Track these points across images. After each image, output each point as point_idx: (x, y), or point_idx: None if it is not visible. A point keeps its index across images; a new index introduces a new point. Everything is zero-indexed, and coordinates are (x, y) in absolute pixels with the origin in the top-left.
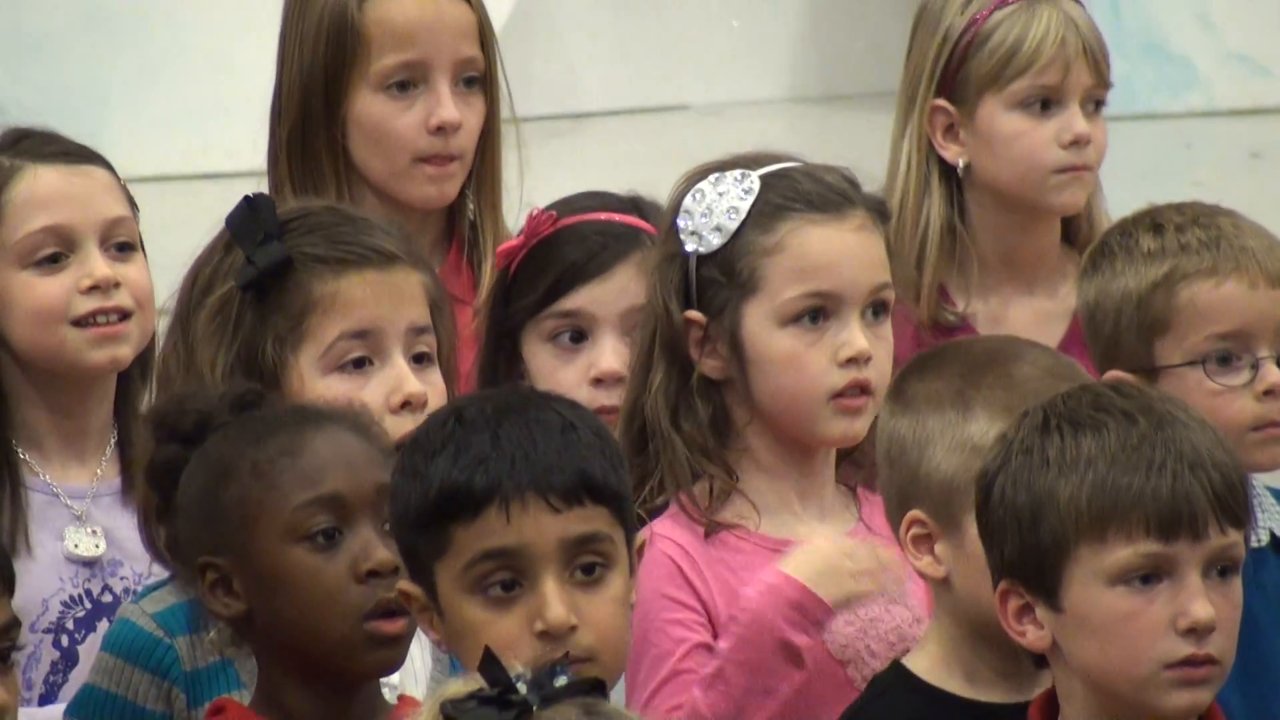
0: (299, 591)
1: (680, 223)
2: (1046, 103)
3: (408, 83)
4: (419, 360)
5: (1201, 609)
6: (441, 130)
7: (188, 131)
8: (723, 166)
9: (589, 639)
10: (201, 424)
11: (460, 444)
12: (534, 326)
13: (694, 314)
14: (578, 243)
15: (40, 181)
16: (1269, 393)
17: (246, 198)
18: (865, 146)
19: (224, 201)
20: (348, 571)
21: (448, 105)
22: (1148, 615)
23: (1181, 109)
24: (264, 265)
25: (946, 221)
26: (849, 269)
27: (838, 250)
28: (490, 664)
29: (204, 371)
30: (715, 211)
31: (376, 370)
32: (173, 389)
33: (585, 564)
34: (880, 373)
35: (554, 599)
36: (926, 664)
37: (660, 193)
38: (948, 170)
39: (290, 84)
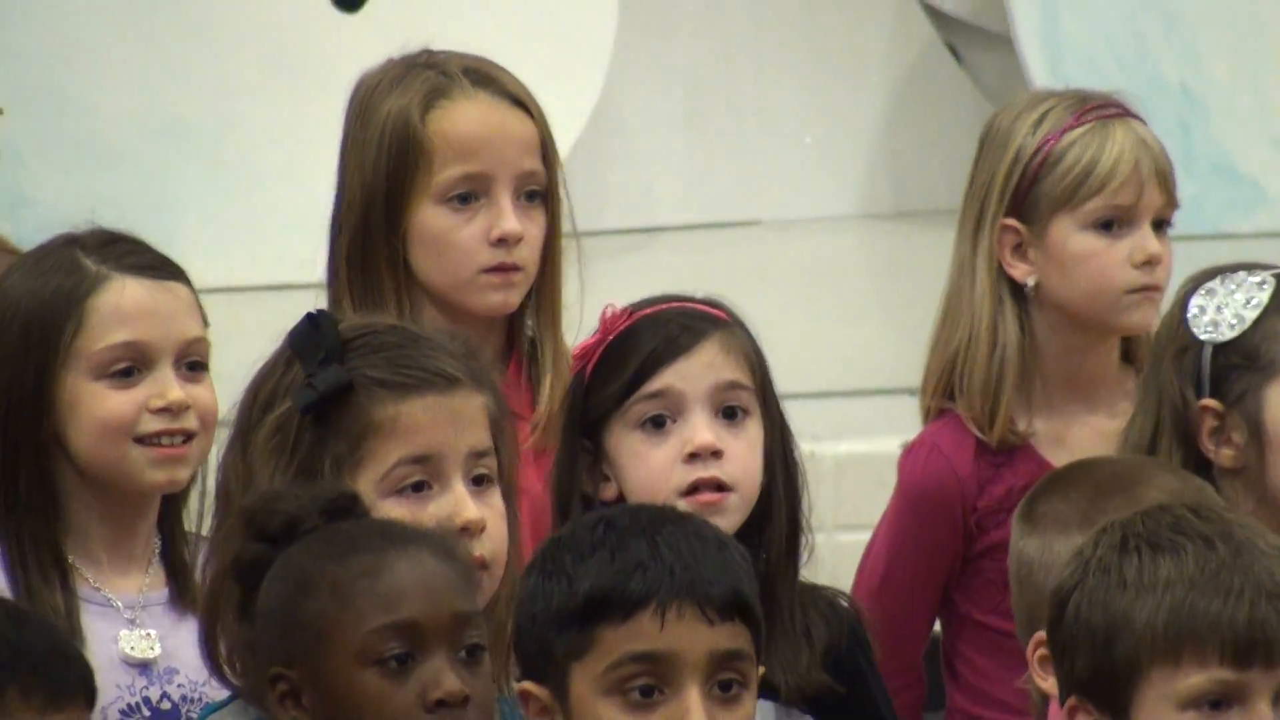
0: (366, 715)
1: (1192, 315)
2: (1118, 223)
3: (470, 195)
4: (479, 482)
5: None
6: (503, 242)
7: (258, 241)
8: (1224, 269)
9: None
10: (290, 526)
11: (616, 547)
12: (619, 417)
13: (1211, 402)
14: (658, 327)
15: (126, 294)
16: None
17: (309, 315)
18: (938, 263)
19: (293, 313)
20: (417, 699)
21: (509, 217)
22: None
23: (1250, 229)
24: (324, 389)
25: (1020, 338)
26: None
27: None
28: None
29: (261, 489)
30: (1232, 304)
31: (435, 495)
32: (233, 505)
33: (725, 680)
34: None
35: (697, 708)
36: None
37: (733, 305)
38: (1016, 290)
39: (351, 195)
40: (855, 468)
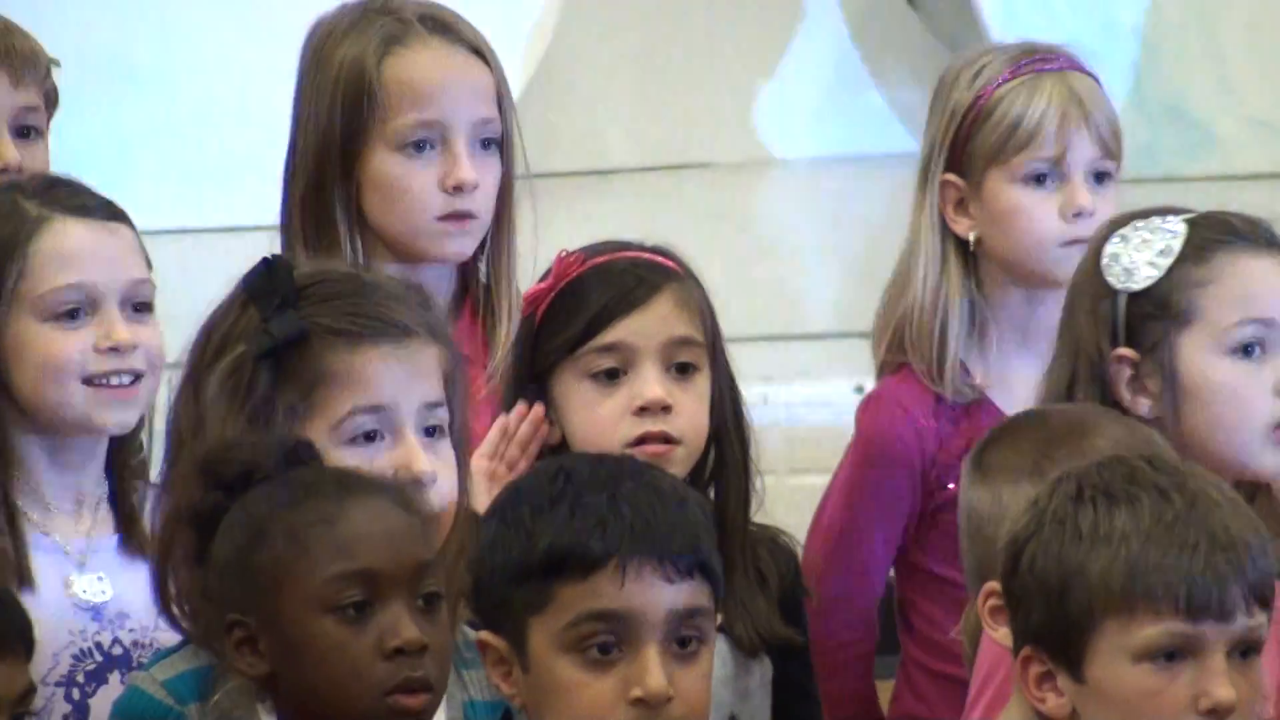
0: (324, 662)
1: (1108, 264)
2: (1050, 176)
3: (425, 142)
4: (430, 433)
5: (1224, 691)
6: (458, 190)
7: (210, 184)
8: (1137, 215)
9: (680, 711)
10: (247, 474)
11: (575, 502)
12: (569, 365)
13: (1127, 351)
14: (611, 278)
15: (69, 236)
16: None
17: (265, 260)
18: (889, 207)
19: (245, 255)
20: (374, 646)
21: (465, 165)
22: (1170, 693)
23: (1201, 173)
24: (280, 335)
25: (965, 295)
26: None
27: (1271, 279)
28: None
29: (213, 433)
30: (1145, 251)
31: (387, 445)
32: (185, 448)
33: (684, 637)
34: None
35: (655, 667)
36: None
37: (683, 250)
38: (962, 244)
39: (306, 140)
40: (807, 411)
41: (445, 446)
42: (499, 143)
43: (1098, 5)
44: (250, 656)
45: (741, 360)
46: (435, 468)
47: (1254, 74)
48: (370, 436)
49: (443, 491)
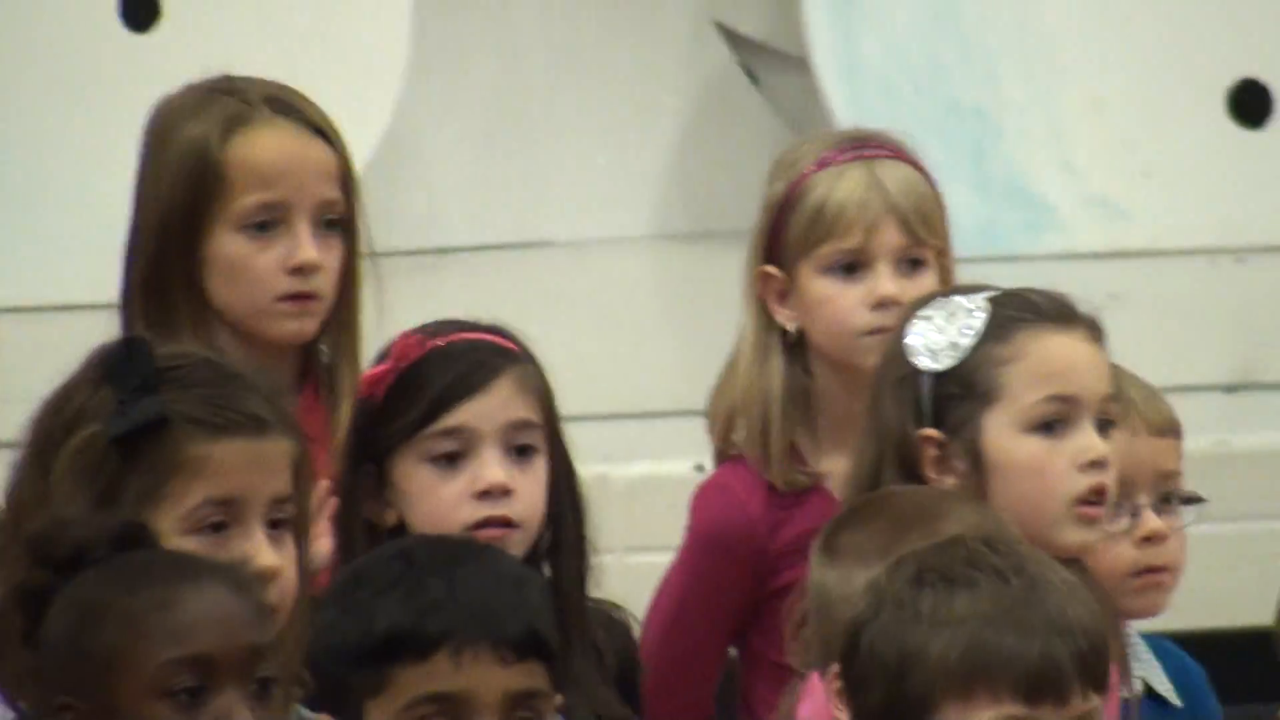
0: None
1: (911, 344)
2: (857, 266)
3: (268, 223)
4: (275, 526)
5: None
6: (300, 271)
7: (46, 261)
8: (939, 296)
9: None
10: (78, 554)
11: (412, 585)
12: (409, 449)
13: (931, 431)
14: (452, 361)
15: None
16: (1148, 539)
17: (126, 340)
18: (731, 286)
19: (82, 333)
20: None
21: (307, 246)
22: None
23: (1043, 251)
24: (138, 419)
25: (787, 384)
26: (1085, 374)
27: (1072, 355)
28: None
29: (58, 512)
30: (948, 330)
31: (233, 537)
32: (28, 523)
33: (520, 719)
34: (1112, 483)
35: None
36: None
37: (522, 328)
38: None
39: (147, 220)
40: (647, 489)
41: (288, 539)
42: (343, 223)
43: (941, 85)
44: None
45: (580, 439)
46: (279, 561)
47: (1095, 152)
48: (217, 527)
49: (284, 584)
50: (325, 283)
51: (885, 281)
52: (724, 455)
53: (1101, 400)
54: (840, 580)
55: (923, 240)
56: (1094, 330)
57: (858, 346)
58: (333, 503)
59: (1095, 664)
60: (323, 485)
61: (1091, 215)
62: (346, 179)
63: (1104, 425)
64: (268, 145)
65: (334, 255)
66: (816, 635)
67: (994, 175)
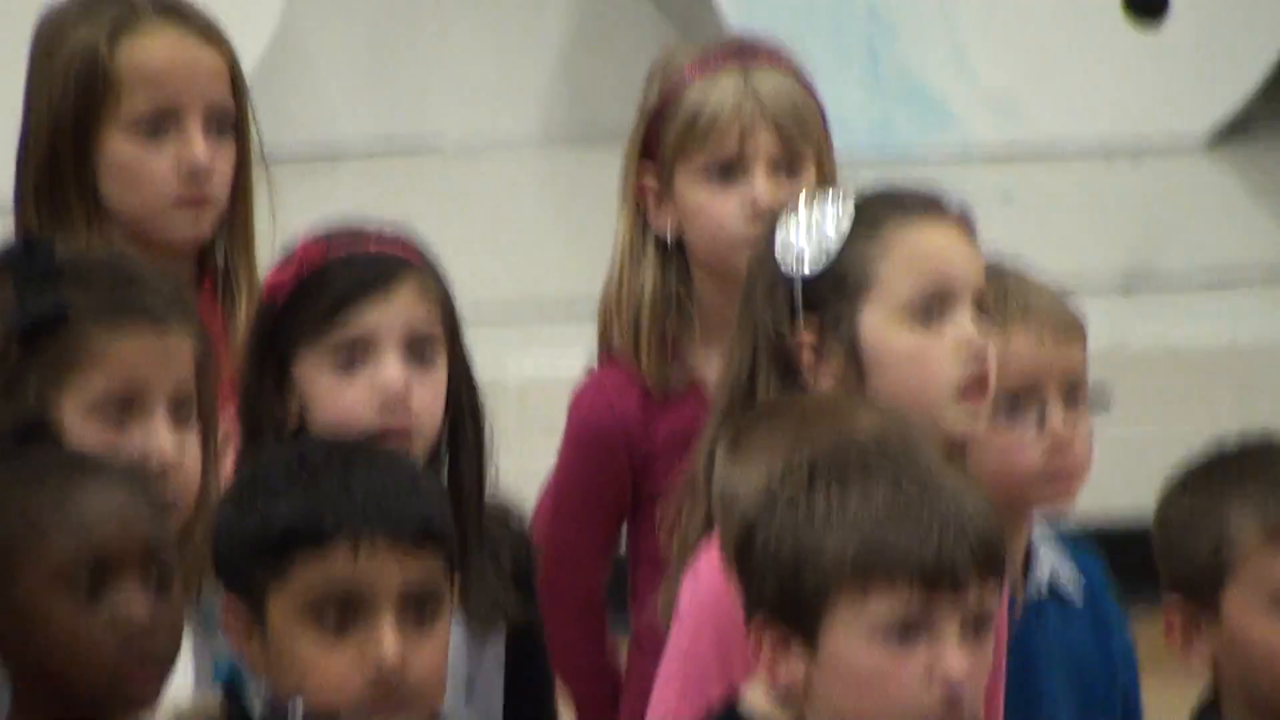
0: (55, 643)
1: (780, 246)
2: (732, 172)
3: (159, 126)
4: (178, 422)
5: (956, 664)
6: (192, 173)
7: None
8: (807, 194)
9: (416, 683)
10: None
11: (309, 483)
12: (311, 353)
13: (807, 334)
14: (354, 268)
15: None
16: (1055, 440)
17: (27, 240)
18: (616, 185)
19: None
20: (107, 627)
21: (198, 150)
22: (904, 669)
23: (937, 150)
24: (37, 314)
25: (660, 289)
26: (958, 263)
27: (944, 244)
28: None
29: None
30: (816, 230)
31: (134, 430)
32: None
33: (418, 609)
34: (992, 370)
35: (389, 640)
36: (766, 704)
37: (414, 232)
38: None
39: (38, 126)
40: (540, 391)
41: (191, 437)
42: (234, 126)
43: None
44: None
45: (471, 340)
46: (177, 453)
47: (990, 51)
48: (120, 421)
49: (185, 477)
50: (218, 185)
51: (761, 188)
52: (601, 355)
53: (976, 289)
54: (745, 478)
55: (798, 145)
56: (964, 222)
57: (734, 253)
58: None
59: (990, 555)
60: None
61: (986, 114)
62: (236, 82)
63: (981, 311)
64: (156, 48)
65: (226, 158)
66: (725, 532)
67: (887, 75)
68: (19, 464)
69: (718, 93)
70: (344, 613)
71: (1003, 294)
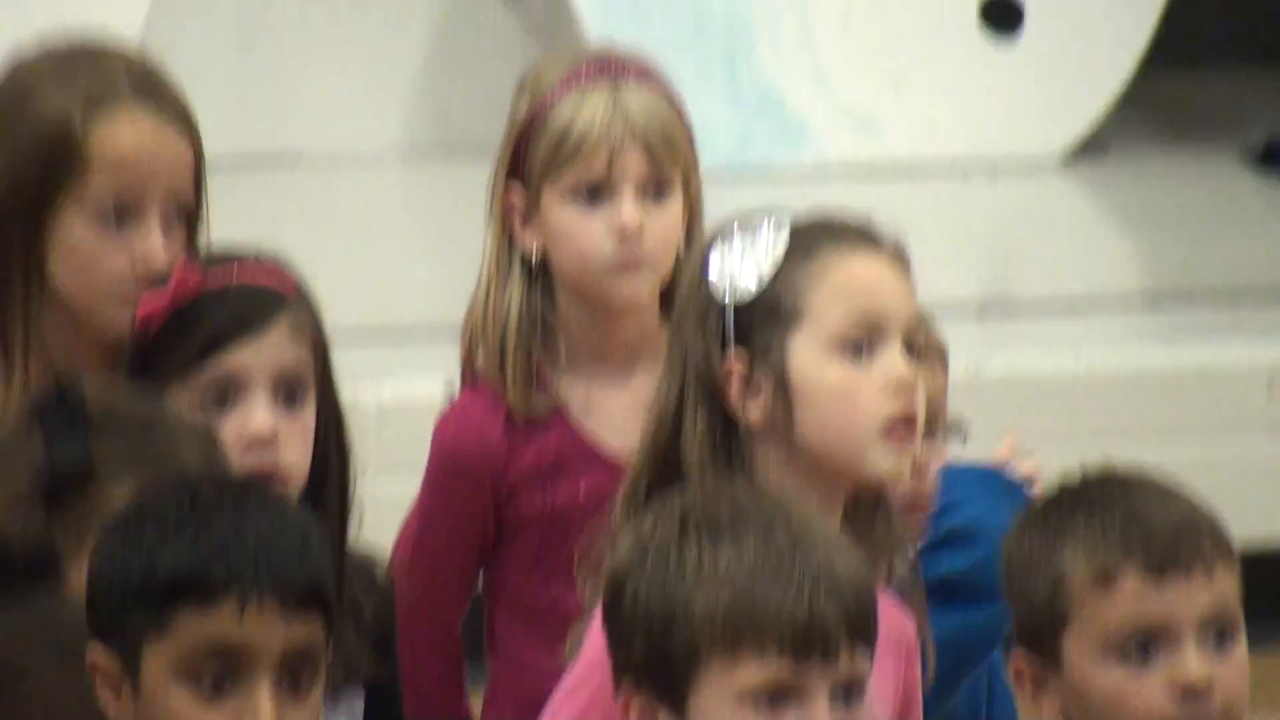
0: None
1: (712, 274)
2: (599, 193)
3: (121, 216)
4: None
5: None
6: (148, 274)
7: None
8: (737, 222)
9: None
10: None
11: (200, 526)
12: (181, 387)
13: (737, 359)
14: (227, 302)
15: None
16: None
17: (58, 388)
18: (480, 200)
19: None
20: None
21: (157, 249)
22: None
23: (795, 163)
24: (65, 469)
25: (526, 308)
26: (891, 296)
27: (878, 276)
28: None
29: None
30: (749, 258)
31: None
32: None
33: (296, 673)
34: (920, 408)
35: (265, 705)
36: None
37: (273, 243)
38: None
39: None
40: (397, 411)
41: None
42: (187, 213)
43: None
44: None
45: (336, 361)
46: None
47: (847, 64)
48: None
49: None
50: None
51: (628, 211)
52: (465, 379)
53: (907, 326)
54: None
55: (667, 169)
56: (899, 256)
57: (601, 277)
58: None
59: (863, 621)
60: None
61: (844, 128)
62: (198, 171)
63: (911, 349)
64: (130, 134)
65: (177, 249)
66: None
67: (746, 88)
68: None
69: (587, 112)
70: (222, 673)
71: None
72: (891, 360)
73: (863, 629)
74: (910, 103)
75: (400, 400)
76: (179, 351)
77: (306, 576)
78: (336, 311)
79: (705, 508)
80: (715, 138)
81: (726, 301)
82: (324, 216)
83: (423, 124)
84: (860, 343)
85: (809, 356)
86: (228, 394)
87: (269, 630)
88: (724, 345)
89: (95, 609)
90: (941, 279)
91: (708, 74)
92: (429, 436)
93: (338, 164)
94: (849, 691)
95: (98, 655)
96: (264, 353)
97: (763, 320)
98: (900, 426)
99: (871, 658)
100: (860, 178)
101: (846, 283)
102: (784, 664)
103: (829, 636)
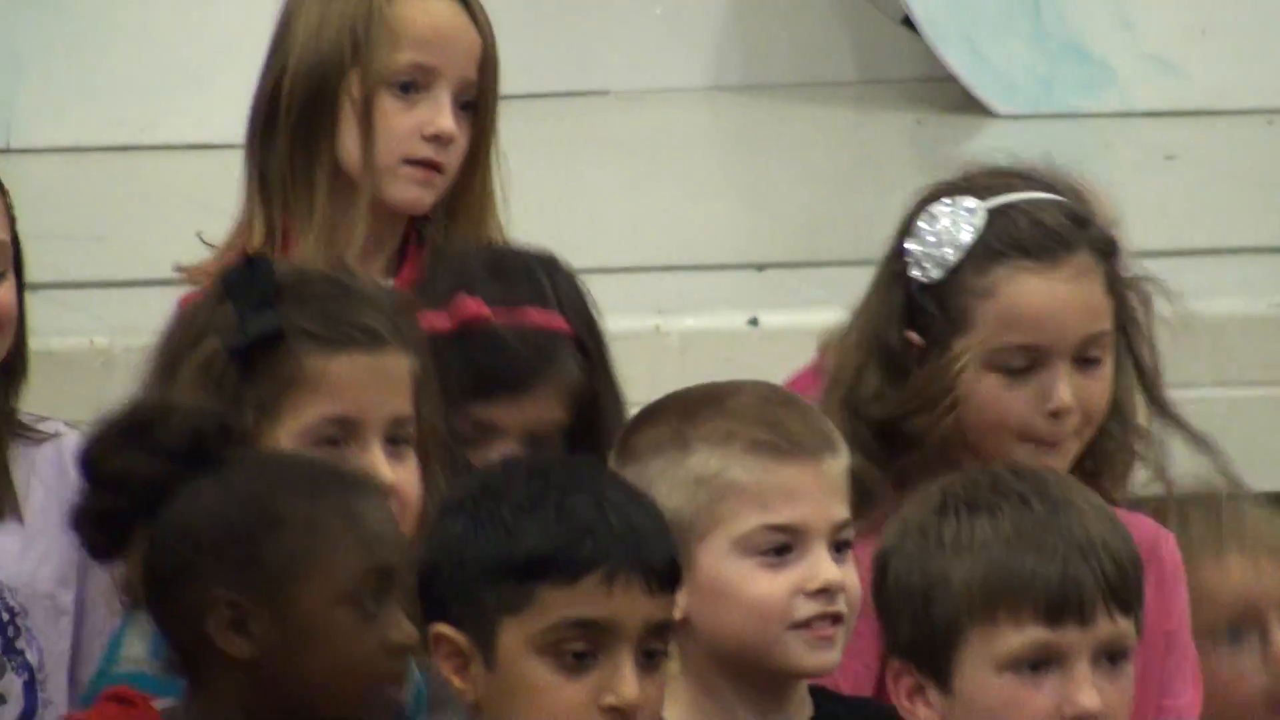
0: (332, 653)
1: (909, 246)
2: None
3: (413, 87)
4: (395, 442)
5: (1088, 698)
6: (436, 139)
7: (104, 102)
8: (955, 188)
9: None
10: (197, 444)
11: (559, 505)
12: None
13: (915, 337)
14: (497, 352)
15: None
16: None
17: (247, 258)
18: (787, 136)
19: (134, 174)
20: (380, 643)
21: (447, 116)
22: (1035, 703)
23: (1099, 109)
24: (254, 334)
25: None
26: (1059, 320)
27: (1047, 301)
28: None
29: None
30: (943, 241)
31: (351, 454)
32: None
33: (652, 648)
34: (1087, 414)
35: (631, 676)
36: (678, 713)
37: (579, 177)
38: None
39: (299, 62)
40: (701, 343)
41: (410, 459)
42: (474, 106)
43: None
44: (236, 637)
45: (635, 291)
46: (398, 477)
47: (1153, 10)
48: (333, 441)
49: (404, 502)
50: (454, 157)
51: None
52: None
53: (1083, 342)
54: (638, 473)
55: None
56: (1093, 253)
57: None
58: None
59: (1121, 584)
60: None
61: (1148, 73)
62: (486, 65)
63: (1087, 363)
64: (431, 11)
65: (464, 134)
66: None
67: (1052, 32)
68: (283, 470)
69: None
70: (584, 648)
71: (1216, 517)
72: (1050, 384)
73: (1122, 593)
74: (1215, 47)
75: (703, 331)
76: (446, 386)
77: (666, 554)
78: (641, 244)
79: (964, 485)
80: (1020, 81)
81: (913, 281)
82: (630, 152)
83: (728, 62)
84: (1021, 366)
85: (969, 364)
86: (480, 440)
87: (633, 606)
88: (905, 318)
89: (438, 586)
90: (1245, 223)
91: (1012, 19)
92: (730, 367)
93: (644, 100)
94: (1112, 655)
95: (445, 632)
96: (525, 411)
97: (935, 314)
98: (1046, 442)
99: (1137, 623)
100: (1164, 122)
101: (1012, 307)
102: (1041, 630)
103: (1084, 601)
